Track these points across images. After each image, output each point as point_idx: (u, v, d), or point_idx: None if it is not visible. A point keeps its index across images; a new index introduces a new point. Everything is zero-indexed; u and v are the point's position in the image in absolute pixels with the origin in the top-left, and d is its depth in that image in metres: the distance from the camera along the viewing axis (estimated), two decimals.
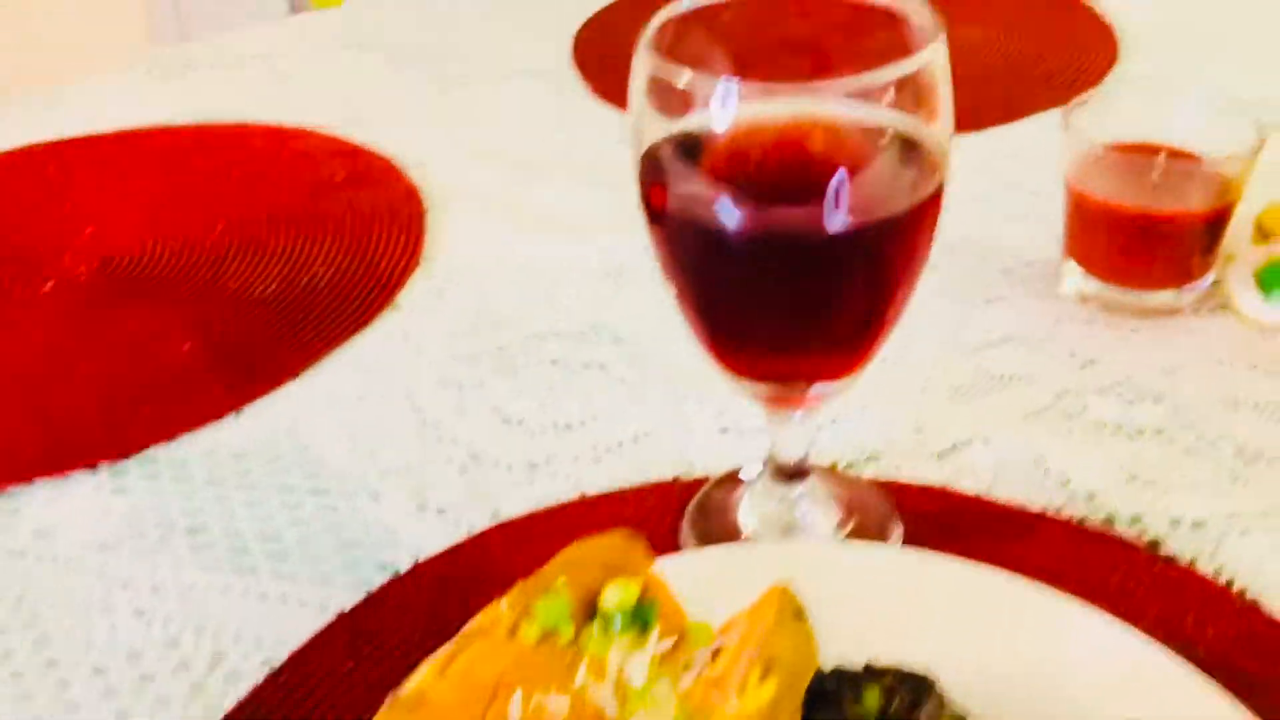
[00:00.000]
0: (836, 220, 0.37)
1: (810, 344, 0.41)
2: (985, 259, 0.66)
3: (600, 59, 0.96)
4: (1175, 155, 0.60)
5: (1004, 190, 0.73)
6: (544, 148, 0.83)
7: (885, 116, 0.38)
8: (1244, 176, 0.57)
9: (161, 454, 0.57)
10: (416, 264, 0.71)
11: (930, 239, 0.40)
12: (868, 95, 0.37)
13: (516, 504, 0.52)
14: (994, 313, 0.62)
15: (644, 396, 0.58)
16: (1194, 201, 0.57)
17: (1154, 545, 0.48)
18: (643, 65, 0.39)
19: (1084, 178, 0.60)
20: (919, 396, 0.57)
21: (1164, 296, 0.60)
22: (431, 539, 0.51)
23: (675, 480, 0.53)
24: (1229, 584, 0.46)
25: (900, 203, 0.39)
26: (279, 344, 0.64)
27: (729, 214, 0.38)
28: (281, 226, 0.75)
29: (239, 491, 0.54)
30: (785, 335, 0.41)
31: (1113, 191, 0.59)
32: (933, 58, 0.37)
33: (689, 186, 0.40)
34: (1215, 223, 0.58)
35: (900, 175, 0.39)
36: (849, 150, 0.39)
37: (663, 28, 0.40)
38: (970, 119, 0.82)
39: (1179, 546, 0.48)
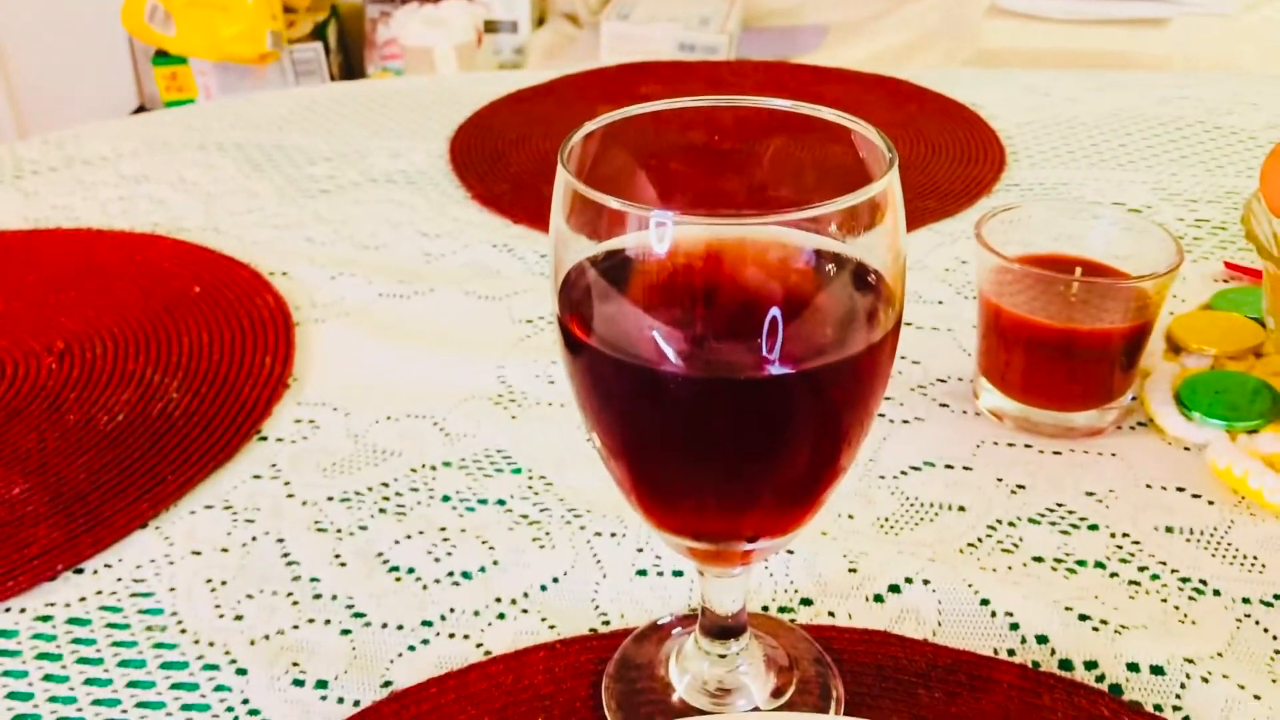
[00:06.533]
0: (788, 361, 0.33)
1: (754, 498, 0.36)
2: (895, 378, 0.63)
3: (480, 163, 0.91)
4: (1091, 269, 0.58)
5: (906, 303, 0.71)
6: (422, 258, 0.78)
7: (836, 244, 0.34)
8: (1162, 293, 0.55)
9: None
10: (285, 387, 0.64)
11: (888, 375, 0.36)
12: (818, 225, 0.33)
13: (411, 671, 0.46)
14: (911, 434, 0.59)
15: (550, 537, 0.53)
16: (1114, 318, 0.56)
17: (1116, 691, 0.44)
18: (563, 182, 0.34)
19: (999, 292, 0.57)
20: (845, 531, 0.52)
21: (1086, 416, 0.58)
22: (312, 718, 0.44)
23: (592, 634, 0.47)
24: None
25: (858, 340, 0.35)
26: (127, 485, 0.56)
27: (661, 348, 0.33)
28: (131, 346, 0.67)
29: (78, 668, 0.46)
30: (725, 488, 0.36)
31: (1029, 308, 0.56)
32: (890, 183, 0.33)
33: (614, 315, 0.35)
34: (1135, 339, 0.56)
35: (856, 308, 0.36)
36: (800, 282, 0.35)
37: (586, 139, 0.36)
38: None
39: (1141, 693, 0.44)
